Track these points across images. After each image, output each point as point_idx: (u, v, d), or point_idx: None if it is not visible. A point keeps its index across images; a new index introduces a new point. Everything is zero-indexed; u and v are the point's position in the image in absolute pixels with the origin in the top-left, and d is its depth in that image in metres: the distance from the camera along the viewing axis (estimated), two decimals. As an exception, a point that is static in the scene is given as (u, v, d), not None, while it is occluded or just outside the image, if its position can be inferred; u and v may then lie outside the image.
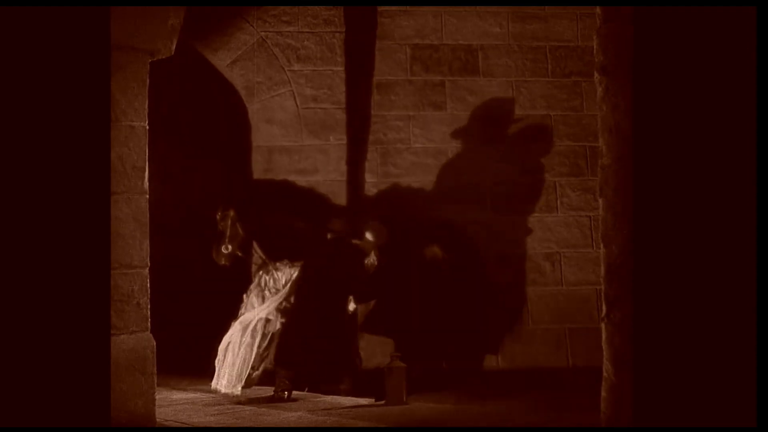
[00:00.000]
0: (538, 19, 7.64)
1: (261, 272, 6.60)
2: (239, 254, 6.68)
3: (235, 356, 6.23)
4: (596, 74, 3.90)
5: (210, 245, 6.68)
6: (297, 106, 7.32)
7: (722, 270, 3.23)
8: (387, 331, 6.97)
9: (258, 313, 6.36)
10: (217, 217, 6.59)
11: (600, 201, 3.90)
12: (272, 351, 6.30)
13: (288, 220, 6.77)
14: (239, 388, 6.18)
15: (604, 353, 3.84)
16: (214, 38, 7.28)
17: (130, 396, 4.45)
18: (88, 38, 3.66)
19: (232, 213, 6.58)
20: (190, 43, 6.90)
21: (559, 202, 7.57)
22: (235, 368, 6.19)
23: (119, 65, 4.43)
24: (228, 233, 6.56)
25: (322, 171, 7.26)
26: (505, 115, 7.57)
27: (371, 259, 6.46)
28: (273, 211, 6.93)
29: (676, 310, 3.30)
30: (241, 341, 6.26)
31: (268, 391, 6.20)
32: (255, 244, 6.78)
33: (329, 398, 6.06)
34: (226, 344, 6.30)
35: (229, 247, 6.58)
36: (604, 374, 3.82)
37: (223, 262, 6.63)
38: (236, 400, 6.06)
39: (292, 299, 6.38)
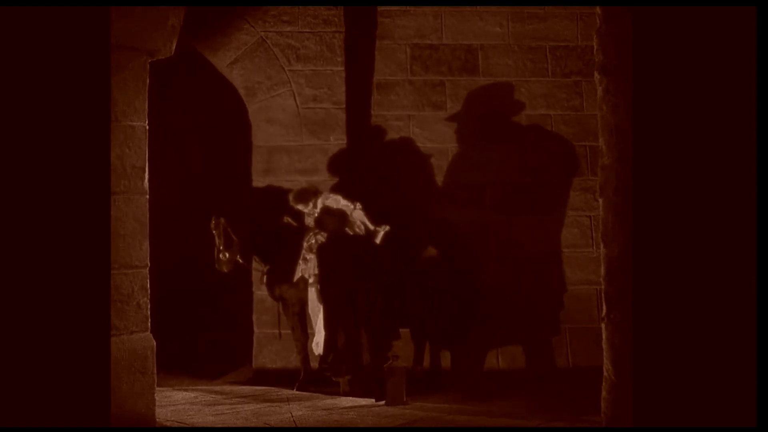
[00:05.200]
0: (538, 19, 7.63)
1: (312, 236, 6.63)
2: (240, 261, 6.64)
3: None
4: (596, 74, 3.90)
5: (210, 246, 6.67)
6: (297, 105, 7.31)
7: (722, 270, 3.23)
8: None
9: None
10: (211, 225, 6.56)
11: (600, 201, 3.91)
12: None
13: (281, 222, 6.73)
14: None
15: (605, 353, 3.85)
16: (214, 38, 7.27)
17: (130, 396, 4.45)
18: (89, 38, 3.66)
19: (222, 220, 6.53)
20: (190, 43, 6.90)
21: (559, 202, 7.56)
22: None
23: (119, 65, 4.43)
24: (222, 241, 6.52)
25: (322, 171, 7.25)
26: (505, 114, 7.57)
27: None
28: (266, 215, 6.89)
29: (677, 310, 3.30)
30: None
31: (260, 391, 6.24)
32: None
33: (329, 398, 6.06)
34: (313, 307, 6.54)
35: (227, 254, 6.53)
36: (605, 374, 3.83)
37: (224, 270, 6.58)
38: (239, 394, 6.11)
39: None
